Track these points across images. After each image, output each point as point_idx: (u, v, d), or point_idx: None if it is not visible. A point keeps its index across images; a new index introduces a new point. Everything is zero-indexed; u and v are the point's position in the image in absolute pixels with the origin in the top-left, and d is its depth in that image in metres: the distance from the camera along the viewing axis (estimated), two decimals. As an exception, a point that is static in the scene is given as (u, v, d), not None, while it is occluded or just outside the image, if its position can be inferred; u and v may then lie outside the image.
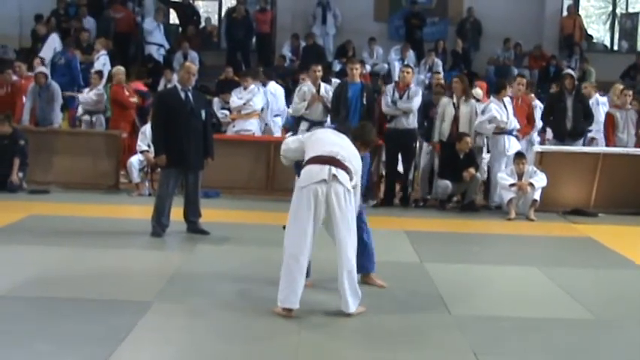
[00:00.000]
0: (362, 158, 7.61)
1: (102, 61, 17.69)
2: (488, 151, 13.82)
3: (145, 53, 21.42)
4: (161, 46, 21.39)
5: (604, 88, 16.59)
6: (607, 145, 14.20)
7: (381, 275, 8.53)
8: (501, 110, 13.35)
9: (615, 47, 25.53)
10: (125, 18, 21.81)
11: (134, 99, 15.25)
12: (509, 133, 13.46)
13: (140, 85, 16.72)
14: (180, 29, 23.20)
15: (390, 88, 13.75)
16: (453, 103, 13.46)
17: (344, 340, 6.48)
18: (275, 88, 16.14)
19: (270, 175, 14.24)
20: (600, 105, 15.21)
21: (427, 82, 18.97)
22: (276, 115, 16.07)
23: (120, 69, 15.62)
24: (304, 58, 20.35)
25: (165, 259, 9.37)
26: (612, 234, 11.66)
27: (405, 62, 19.60)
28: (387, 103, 13.41)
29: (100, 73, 16.16)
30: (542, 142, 14.62)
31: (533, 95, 15.57)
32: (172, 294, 7.61)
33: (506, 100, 13.55)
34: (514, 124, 13.50)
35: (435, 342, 6.57)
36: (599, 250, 10.66)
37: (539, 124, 14.70)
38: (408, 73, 13.77)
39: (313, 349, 6.19)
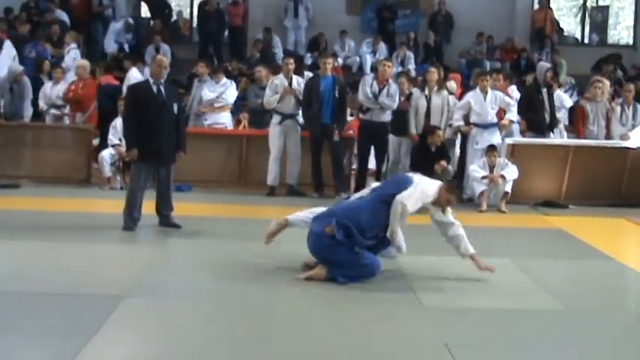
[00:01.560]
0: None
1: (72, 55, 17.60)
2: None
3: (106, 46, 21.25)
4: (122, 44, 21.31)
5: (580, 83, 16.64)
6: (577, 137, 14.27)
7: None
8: (480, 102, 13.40)
9: (586, 40, 25.66)
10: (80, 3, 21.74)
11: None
12: (487, 126, 13.48)
13: (111, 79, 16.61)
14: (151, 23, 23.09)
15: (368, 79, 13.74)
16: (425, 96, 13.50)
17: (314, 332, 6.46)
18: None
19: (243, 168, 14.24)
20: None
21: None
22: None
23: (82, 63, 15.54)
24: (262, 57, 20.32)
25: (137, 252, 9.33)
26: (583, 225, 11.72)
27: (378, 55, 19.63)
28: (367, 95, 13.40)
29: (63, 67, 16.07)
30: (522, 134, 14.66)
31: (514, 87, 15.58)
32: (144, 288, 7.58)
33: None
34: (491, 116, 13.52)
35: (406, 333, 6.57)
36: (569, 241, 10.72)
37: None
38: (388, 67, 13.81)
39: (287, 342, 6.18)
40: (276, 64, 17.71)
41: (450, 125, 13.53)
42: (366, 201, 8.21)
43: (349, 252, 7.90)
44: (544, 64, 15.22)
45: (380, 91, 13.40)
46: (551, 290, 7.93)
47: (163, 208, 10.46)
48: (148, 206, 10.35)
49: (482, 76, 13.80)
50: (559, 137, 14.49)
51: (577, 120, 14.28)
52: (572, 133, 14.82)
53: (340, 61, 21.08)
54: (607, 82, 14.97)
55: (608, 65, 20.61)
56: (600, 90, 14.32)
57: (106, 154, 13.59)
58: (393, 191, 8.05)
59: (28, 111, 15.10)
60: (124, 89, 15.40)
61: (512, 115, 13.58)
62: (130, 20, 21.78)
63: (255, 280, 8.00)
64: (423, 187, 8.13)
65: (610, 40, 25.76)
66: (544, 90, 13.96)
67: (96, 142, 14.77)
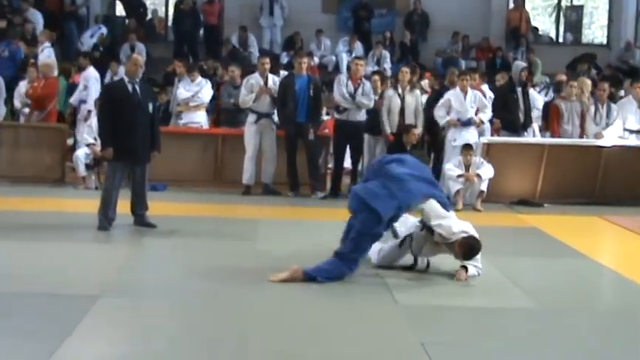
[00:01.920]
0: None
1: (46, 54, 17.47)
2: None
3: (80, 45, 21.11)
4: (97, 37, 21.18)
5: (555, 82, 16.70)
6: (552, 136, 14.33)
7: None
8: (460, 101, 13.46)
9: (560, 39, 25.79)
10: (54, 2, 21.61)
11: None
12: (465, 124, 13.52)
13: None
14: (126, 21, 23.00)
15: (342, 78, 13.74)
16: (399, 95, 13.52)
17: (288, 332, 6.45)
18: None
19: (219, 167, 14.21)
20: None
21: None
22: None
23: (47, 61, 15.44)
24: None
25: (112, 252, 9.29)
26: (557, 224, 11.78)
27: (354, 54, 19.64)
28: (343, 95, 13.41)
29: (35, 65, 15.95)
30: (492, 133, 14.71)
31: (486, 86, 15.62)
32: (119, 288, 7.54)
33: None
34: (471, 115, 13.56)
35: (382, 332, 6.56)
36: (544, 239, 10.77)
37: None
38: (360, 65, 13.81)
39: (261, 342, 6.17)
40: (247, 63, 17.69)
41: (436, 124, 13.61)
42: None
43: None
44: (519, 64, 15.29)
45: (355, 90, 13.41)
46: (526, 288, 7.95)
47: (138, 207, 10.41)
48: (123, 206, 10.30)
49: (463, 76, 13.85)
50: (532, 137, 14.54)
51: (552, 119, 14.33)
52: (546, 131, 14.88)
53: (316, 60, 21.08)
54: (588, 82, 15.07)
55: (583, 64, 20.70)
56: (575, 89, 14.37)
57: (81, 153, 13.52)
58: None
59: (2, 110, 15.00)
60: (82, 87, 15.40)
61: (485, 115, 13.64)
62: (104, 33, 21.56)
63: (230, 279, 7.97)
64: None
65: (584, 40, 25.92)
66: (519, 89, 14.02)
67: (70, 141, 14.69)
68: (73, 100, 15.88)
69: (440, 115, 13.54)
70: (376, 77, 14.29)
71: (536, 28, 25.44)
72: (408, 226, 8.43)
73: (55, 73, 15.62)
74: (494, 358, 6.02)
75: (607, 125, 14.29)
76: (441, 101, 13.64)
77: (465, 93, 13.54)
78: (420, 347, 6.07)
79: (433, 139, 14.27)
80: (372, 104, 13.48)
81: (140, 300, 7.24)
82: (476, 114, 13.63)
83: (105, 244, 9.69)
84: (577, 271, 9.04)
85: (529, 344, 6.38)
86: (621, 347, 6.43)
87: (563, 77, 16.59)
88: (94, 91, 15.44)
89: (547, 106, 15.08)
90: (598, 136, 14.11)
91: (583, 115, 14.26)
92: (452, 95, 13.61)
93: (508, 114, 14.01)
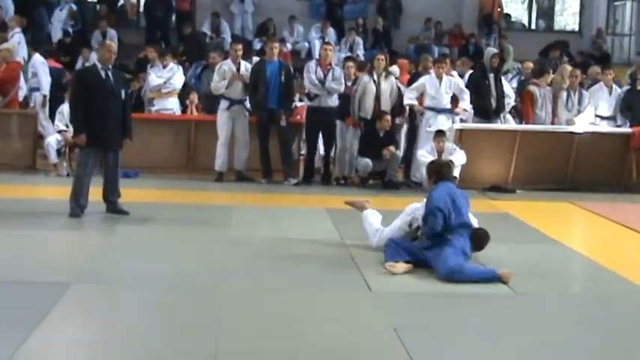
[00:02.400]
0: None
1: (16, 39, 17.30)
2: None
3: (51, 31, 20.92)
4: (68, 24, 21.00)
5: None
6: (526, 122, 14.37)
7: (302, 253, 8.61)
8: (435, 87, 13.47)
9: (533, 26, 25.88)
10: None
11: None
12: (440, 110, 13.53)
13: (54, 63, 16.37)
14: (98, 7, 22.82)
15: (312, 65, 13.71)
16: (374, 81, 13.51)
17: (262, 318, 6.44)
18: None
19: (191, 154, 14.17)
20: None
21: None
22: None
23: (7, 46, 15.29)
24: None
25: (84, 239, 9.24)
26: (530, 210, 11.84)
27: (327, 40, 19.60)
28: (312, 81, 13.38)
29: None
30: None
31: (455, 72, 15.62)
32: (91, 275, 7.52)
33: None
34: (446, 101, 13.56)
35: (356, 319, 6.58)
36: (517, 225, 10.82)
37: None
38: (329, 50, 13.81)
39: (234, 328, 6.15)
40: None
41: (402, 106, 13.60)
42: None
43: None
44: (490, 50, 15.31)
45: (325, 76, 13.39)
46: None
47: (110, 194, 10.35)
48: (95, 193, 10.24)
49: (439, 63, 13.86)
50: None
51: (526, 104, 14.37)
52: (517, 118, 14.94)
53: (289, 46, 21.03)
54: (568, 68, 15.14)
55: (555, 52, 20.77)
56: (550, 76, 14.44)
57: (52, 139, 13.43)
58: None
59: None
60: (31, 75, 15.23)
61: (466, 104, 13.63)
62: (74, 7, 21.43)
63: (203, 266, 7.97)
64: None
65: (556, 27, 26.03)
66: (490, 75, 14.03)
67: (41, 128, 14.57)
68: (26, 89, 15.63)
69: (410, 96, 13.51)
70: (350, 64, 14.26)
71: (508, 15, 25.52)
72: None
73: (18, 58, 15.46)
74: (467, 344, 6.02)
75: (579, 112, 14.36)
76: (415, 84, 13.63)
77: (440, 79, 13.55)
78: (393, 333, 6.08)
79: (412, 126, 14.23)
80: (342, 89, 13.46)
81: (112, 287, 7.20)
82: (453, 101, 13.63)
83: (77, 231, 9.62)
84: (549, 257, 9.07)
85: (502, 329, 6.40)
86: (593, 331, 6.47)
87: (531, 65, 16.61)
88: (44, 75, 15.27)
89: (520, 92, 15.11)
90: (570, 122, 14.17)
91: (555, 102, 14.31)
92: (427, 81, 13.60)
93: (480, 100, 14.03)
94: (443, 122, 13.42)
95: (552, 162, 13.66)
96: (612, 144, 13.91)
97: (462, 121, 13.75)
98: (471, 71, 14.98)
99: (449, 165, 9.24)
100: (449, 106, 13.60)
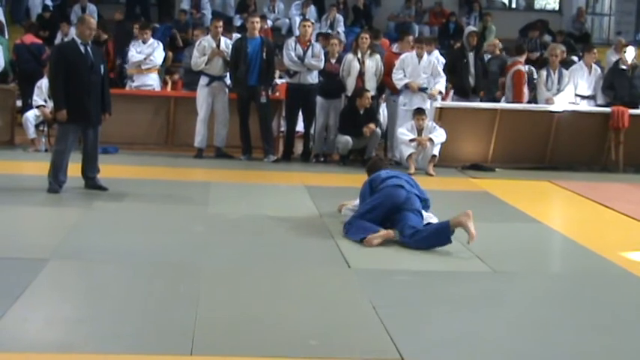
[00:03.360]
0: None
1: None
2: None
3: (29, 5, 20.75)
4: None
5: (507, 47, 16.71)
6: (519, 101, 14.36)
7: (281, 230, 8.60)
8: (414, 65, 13.47)
9: (513, 5, 25.90)
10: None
11: None
12: (421, 90, 13.52)
13: (33, 38, 16.22)
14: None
15: (291, 42, 13.66)
16: (358, 59, 13.48)
17: (240, 295, 6.43)
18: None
19: (170, 130, 14.14)
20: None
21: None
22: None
23: None
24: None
25: (63, 215, 9.15)
26: (509, 188, 11.88)
27: (306, 17, 19.52)
28: (292, 58, 13.35)
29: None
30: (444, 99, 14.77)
31: (437, 51, 15.56)
32: (69, 250, 7.47)
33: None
34: (422, 80, 13.53)
35: (334, 296, 6.57)
36: (496, 204, 10.84)
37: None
38: (308, 27, 13.76)
39: (212, 304, 6.15)
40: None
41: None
42: None
43: None
44: (469, 28, 15.32)
45: (304, 52, 13.35)
46: (477, 252, 7.96)
47: (89, 170, 10.31)
48: (74, 168, 10.19)
49: (419, 43, 13.82)
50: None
51: (518, 84, 14.36)
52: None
53: (269, 23, 20.95)
54: (561, 47, 15.18)
55: (534, 31, 20.80)
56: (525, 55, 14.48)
57: (31, 115, 13.34)
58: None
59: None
60: None
61: (441, 85, 13.60)
62: None
63: (182, 242, 7.94)
64: None
65: (537, 6, 26.08)
66: (470, 54, 14.02)
67: (18, 102, 14.47)
68: (3, 63, 15.40)
69: (398, 77, 13.49)
70: (335, 41, 14.22)
71: (489, -5, 25.51)
72: None
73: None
74: (446, 322, 6.02)
75: (558, 91, 14.39)
76: (397, 63, 13.60)
77: (420, 58, 13.52)
78: (372, 310, 6.09)
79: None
80: (321, 65, 13.43)
81: (90, 263, 7.16)
82: None
83: (55, 207, 9.56)
84: (528, 235, 9.11)
85: (481, 307, 6.41)
86: (573, 309, 6.49)
87: (496, 42, 16.53)
88: None
89: (501, 69, 15.10)
90: (549, 101, 14.21)
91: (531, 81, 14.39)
92: (406, 57, 13.59)
93: (457, 79, 14.05)
94: (419, 102, 13.41)
95: (532, 141, 13.72)
96: (591, 123, 13.96)
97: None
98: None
99: (381, 158, 10.39)
100: (425, 85, 13.53)
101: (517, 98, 14.37)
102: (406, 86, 13.36)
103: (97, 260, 7.24)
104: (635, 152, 13.82)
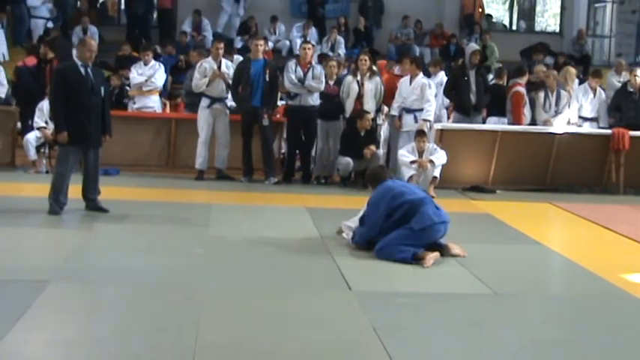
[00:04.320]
0: None
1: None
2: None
3: (31, 27, 20.80)
4: (48, 19, 20.85)
5: (508, 69, 16.68)
6: (518, 123, 14.31)
7: (282, 252, 8.59)
8: (406, 86, 13.51)
9: (514, 27, 25.95)
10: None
11: None
12: (408, 110, 13.54)
13: (35, 60, 16.23)
14: (78, 3, 22.72)
15: (291, 65, 13.67)
16: (357, 81, 13.50)
17: (240, 317, 6.40)
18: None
19: (172, 152, 14.12)
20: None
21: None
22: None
23: None
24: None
25: (63, 237, 9.15)
26: (510, 210, 11.85)
27: (307, 39, 19.58)
28: (292, 81, 13.35)
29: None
30: (448, 118, 14.78)
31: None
32: (70, 272, 7.46)
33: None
34: (411, 101, 13.56)
35: (335, 318, 6.54)
36: (497, 226, 10.81)
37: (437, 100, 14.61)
38: (309, 49, 13.75)
39: (212, 328, 6.13)
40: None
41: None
42: None
43: None
44: (472, 46, 15.26)
45: (305, 75, 13.36)
46: (479, 274, 7.94)
47: (90, 192, 10.31)
48: (74, 190, 10.18)
49: (414, 65, 13.88)
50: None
51: (517, 106, 14.34)
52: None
53: (270, 44, 20.99)
54: (573, 70, 15.22)
55: (538, 54, 20.83)
56: (526, 76, 14.47)
57: (32, 136, 13.34)
58: None
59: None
60: None
61: (428, 114, 13.53)
62: (52, 8, 21.28)
63: (182, 264, 7.93)
64: None
65: (537, 28, 26.14)
66: (471, 72, 14.02)
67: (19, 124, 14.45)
68: (6, 87, 15.39)
69: (394, 106, 13.65)
70: (333, 63, 14.23)
71: (490, 15, 25.57)
72: None
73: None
74: (448, 345, 6.00)
75: (556, 113, 14.40)
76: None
77: (413, 78, 13.59)
78: (373, 332, 6.06)
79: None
80: (322, 87, 13.42)
81: (91, 285, 7.15)
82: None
83: (56, 228, 9.55)
84: (529, 258, 9.08)
85: (482, 330, 6.39)
86: (574, 331, 6.48)
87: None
88: None
89: (498, 90, 15.04)
90: (547, 123, 14.21)
91: (532, 103, 14.35)
92: (403, 80, 13.68)
93: (459, 97, 14.07)
94: (410, 122, 13.43)
95: (532, 162, 13.69)
96: (592, 145, 13.93)
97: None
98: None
99: (382, 167, 10.22)
100: (415, 106, 13.54)
101: (516, 120, 14.32)
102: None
103: (98, 282, 7.23)
104: (635, 174, 13.78)
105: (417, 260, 8.20)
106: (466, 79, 13.97)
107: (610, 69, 18.75)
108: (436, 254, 8.34)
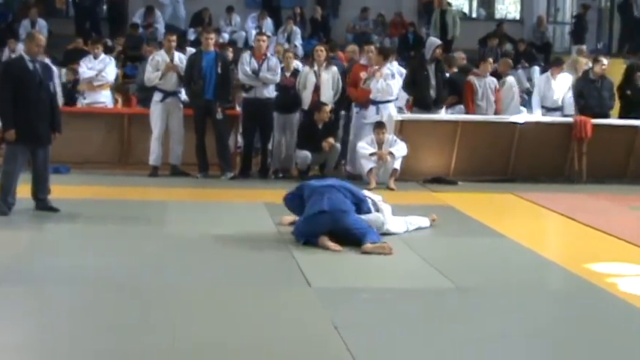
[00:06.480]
0: None
1: None
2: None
3: None
4: None
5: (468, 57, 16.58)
6: (467, 112, 14.17)
7: (240, 249, 8.49)
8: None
9: (474, 14, 25.92)
10: None
11: None
12: (374, 102, 13.32)
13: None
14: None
15: (246, 56, 13.43)
16: (314, 72, 13.29)
17: (199, 316, 6.25)
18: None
19: (124, 148, 13.87)
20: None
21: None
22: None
23: None
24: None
25: (12, 238, 8.92)
26: (472, 202, 11.79)
27: (264, 30, 19.34)
28: (246, 73, 13.12)
29: None
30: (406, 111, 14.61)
31: (395, 63, 15.36)
32: (19, 275, 7.30)
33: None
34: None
35: (295, 316, 6.43)
36: (459, 218, 10.73)
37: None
38: (263, 41, 13.54)
39: (168, 327, 5.90)
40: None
41: None
42: None
43: None
44: (434, 41, 14.95)
45: (259, 66, 13.12)
46: (440, 268, 7.86)
47: (40, 191, 10.04)
48: (23, 190, 9.92)
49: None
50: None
51: (466, 96, 14.18)
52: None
53: (226, 36, 20.73)
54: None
55: (493, 40, 20.77)
56: (489, 65, 14.29)
57: (-22, 135, 12.99)
58: None
59: None
60: None
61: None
62: None
63: (136, 263, 7.78)
64: None
65: (497, 15, 26.14)
66: (431, 66, 13.81)
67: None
68: None
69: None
70: (289, 54, 14.02)
71: (449, 4, 25.41)
72: None
73: None
74: (410, 340, 5.89)
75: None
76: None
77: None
78: (333, 330, 5.95)
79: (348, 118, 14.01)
80: (277, 79, 13.23)
81: (41, 287, 7.01)
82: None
83: (3, 230, 9.25)
84: (492, 250, 9.00)
85: (445, 324, 6.32)
86: (537, 323, 6.43)
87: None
88: None
89: (454, 82, 14.87)
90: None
91: (497, 92, 14.17)
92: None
93: (417, 91, 13.84)
94: (371, 114, 13.20)
95: (494, 153, 13.60)
96: (554, 134, 13.85)
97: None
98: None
99: None
100: (384, 98, 13.30)
101: (467, 110, 14.15)
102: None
103: (48, 284, 7.09)
104: (598, 162, 13.70)
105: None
106: (425, 73, 13.76)
107: (569, 56, 18.59)
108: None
